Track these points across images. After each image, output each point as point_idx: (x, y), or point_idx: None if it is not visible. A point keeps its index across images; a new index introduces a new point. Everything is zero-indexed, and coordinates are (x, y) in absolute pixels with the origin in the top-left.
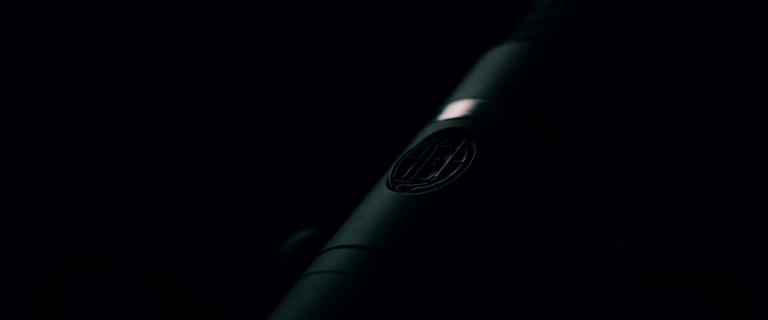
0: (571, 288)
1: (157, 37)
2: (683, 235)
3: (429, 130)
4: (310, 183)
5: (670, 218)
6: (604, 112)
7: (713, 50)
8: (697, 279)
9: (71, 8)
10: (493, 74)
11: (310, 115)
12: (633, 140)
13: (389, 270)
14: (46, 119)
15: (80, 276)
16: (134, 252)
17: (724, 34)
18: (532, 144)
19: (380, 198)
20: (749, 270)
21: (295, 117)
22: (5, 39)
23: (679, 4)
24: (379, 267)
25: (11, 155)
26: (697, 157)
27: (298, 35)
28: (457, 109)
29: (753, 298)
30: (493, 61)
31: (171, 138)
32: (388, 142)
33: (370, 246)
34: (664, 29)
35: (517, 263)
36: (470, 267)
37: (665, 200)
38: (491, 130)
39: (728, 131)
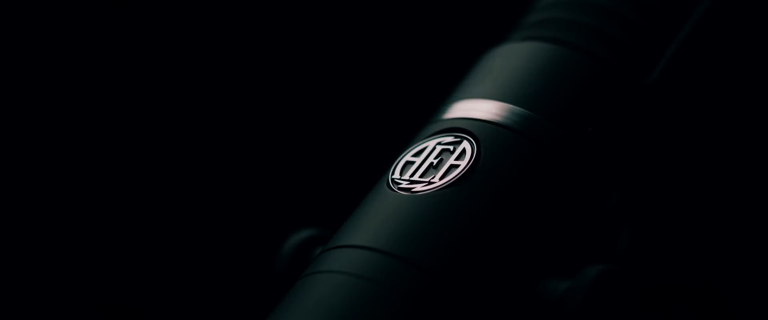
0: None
1: (157, 37)
2: (681, 237)
3: (429, 130)
4: (310, 184)
5: (670, 219)
6: (604, 111)
7: (714, 52)
8: (684, 293)
9: (70, 9)
10: (493, 74)
11: (310, 115)
12: (634, 141)
13: (390, 270)
14: (45, 119)
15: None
16: (135, 252)
17: (724, 37)
18: (533, 144)
19: (381, 199)
20: (746, 273)
21: (296, 117)
22: (5, 39)
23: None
24: (379, 267)
25: (11, 155)
26: (697, 157)
27: (298, 35)
28: (457, 109)
29: (747, 306)
30: (494, 61)
31: (171, 138)
32: (388, 142)
33: (371, 247)
34: (662, 27)
35: (517, 263)
36: (471, 267)
37: (665, 200)
38: (491, 131)
39: (728, 132)
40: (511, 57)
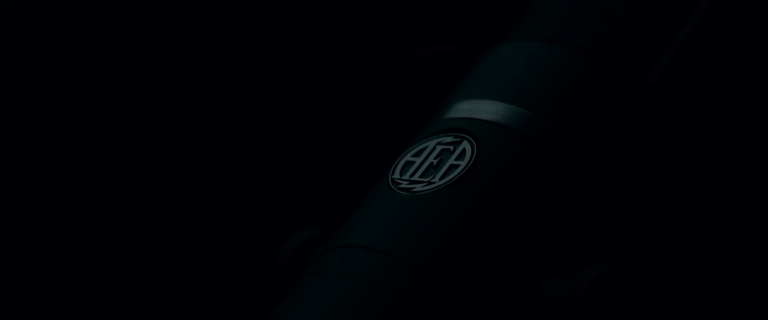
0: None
1: (157, 37)
2: (679, 238)
3: (429, 130)
4: (310, 183)
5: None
6: (604, 111)
7: (714, 52)
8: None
9: (70, 9)
10: (493, 74)
11: (311, 115)
12: (634, 141)
13: (390, 270)
14: (46, 119)
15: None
16: (135, 252)
17: (723, 36)
18: (533, 144)
19: (381, 199)
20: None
21: (296, 118)
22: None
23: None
24: (379, 267)
25: (11, 156)
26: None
27: (299, 36)
28: (457, 109)
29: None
30: (494, 61)
31: (172, 138)
32: (388, 142)
33: (371, 247)
34: (662, 26)
35: (518, 263)
36: (471, 268)
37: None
38: (491, 130)
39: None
40: (511, 57)
